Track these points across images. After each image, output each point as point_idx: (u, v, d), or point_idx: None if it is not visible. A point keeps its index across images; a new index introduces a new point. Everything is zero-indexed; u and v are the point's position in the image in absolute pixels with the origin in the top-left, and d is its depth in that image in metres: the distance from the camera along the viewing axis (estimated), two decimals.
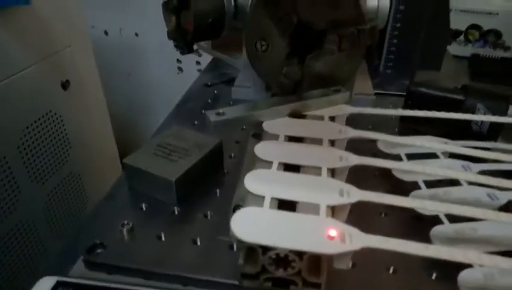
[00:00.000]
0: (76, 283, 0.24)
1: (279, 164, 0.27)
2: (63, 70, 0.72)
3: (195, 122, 0.45)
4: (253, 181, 0.25)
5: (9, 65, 0.58)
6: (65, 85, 0.73)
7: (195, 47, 0.57)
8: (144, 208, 0.31)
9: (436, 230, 0.27)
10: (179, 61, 1.25)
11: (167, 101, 0.49)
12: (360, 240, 0.21)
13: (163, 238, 0.28)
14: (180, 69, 1.27)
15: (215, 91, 0.54)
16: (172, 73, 1.27)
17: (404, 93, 0.46)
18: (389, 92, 0.54)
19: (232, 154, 0.38)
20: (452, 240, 0.27)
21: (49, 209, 0.69)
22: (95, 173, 0.83)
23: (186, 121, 0.44)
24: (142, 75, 1.30)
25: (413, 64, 0.58)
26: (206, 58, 0.69)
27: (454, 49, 0.68)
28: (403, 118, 0.44)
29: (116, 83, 1.29)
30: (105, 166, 0.88)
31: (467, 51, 0.68)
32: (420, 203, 0.24)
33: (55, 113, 0.70)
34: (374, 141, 0.36)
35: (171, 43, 0.50)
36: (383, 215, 0.32)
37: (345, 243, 0.21)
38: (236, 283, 0.25)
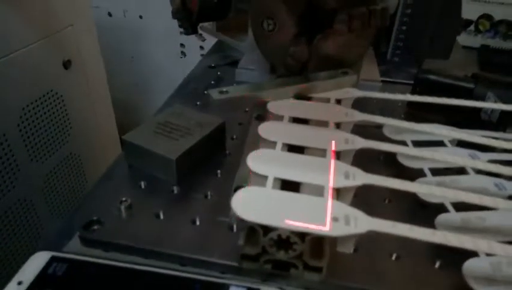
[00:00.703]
0: (71, 258, 0.23)
1: (283, 144, 0.26)
2: (65, 49, 0.71)
3: (198, 103, 0.44)
4: (256, 161, 0.24)
5: (10, 42, 0.57)
6: (67, 64, 0.72)
7: (199, 30, 0.56)
8: (143, 186, 0.30)
9: (441, 218, 0.27)
10: (182, 45, 1.24)
11: (169, 85, 0.48)
12: (366, 223, 0.20)
13: (161, 217, 0.27)
14: (183, 53, 1.25)
15: (219, 73, 0.53)
16: (175, 57, 1.26)
17: (411, 82, 0.45)
18: (396, 80, 0.53)
19: (234, 136, 0.37)
20: (458, 229, 0.26)
21: (48, 189, 0.69)
22: (95, 155, 0.82)
23: (189, 102, 0.44)
24: (145, 58, 1.28)
25: (421, 53, 0.57)
26: (209, 43, 0.68)
27: (463, 39, 0.67)
28: (410, 105, 0.43)
29: (119, 66, 1.28)
30: (106, 148, 0.87)
31: (477, 41, 0.67)
32: (427, 188, 0.23)
33: (56, 93, 0.69)
34: (379, 127, 0.35)
35: (175, 27, 0.49)
36: (386, 201, 0.31)
37: (349, 226, 0.20)
38: (236, 264, 0.24)
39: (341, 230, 0.20)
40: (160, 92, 1.32)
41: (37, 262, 0.23)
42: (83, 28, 0.76)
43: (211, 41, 0.67)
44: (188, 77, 0.52)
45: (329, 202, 0.21)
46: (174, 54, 1.25)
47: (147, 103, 1.36)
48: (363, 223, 0.20)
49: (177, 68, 1.27)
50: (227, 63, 0.55)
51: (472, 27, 0.66)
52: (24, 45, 0.61)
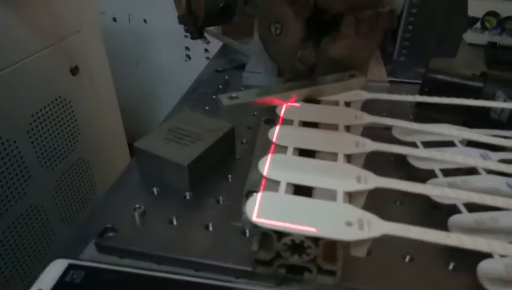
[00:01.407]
0: (88, 266, 0.24)
1: (294, 149, 0.27)
2: (72, 56, 0.72)
3: (206, 108, 0.44)
4: (268, 166, 0.24)
5: (18, 50, 0.58)
6: (74, 71, 0.73)
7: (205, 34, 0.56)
8: (156, 193, 0.31)
9: (454, 219, 0.26)
10: (187, 48, 1.24)
11: (175, 89, 0.49)
12: (379, 227, 0.20)
13: (174, 223, 0.28)
14: (188, 56, 1.26)
15: (226, 77, 0.53)
16: (180, 60, 1.26)
17: (419, 82, 0.45)
18: (403, 80, 0.53)
19: (244, 140, 0.38)
20: (471, 230, 0.26)
21: (59, 195, 0.70)
22: (103, 160, 0.83)
23: (197, 106, 0.44)
24: (151, 62, 1.29)
25: (428, 52, 0.56)
26: (214, 46, 0.68)
27: (469, 36, 0.66)
28: (418, 106, 0.43)
29: (124, 71, 1.29)
30: (114, 153, 0.88)
31: (483, 39, 0.66)
32: (440, 190, 0.23)
33: (64, 99, 0.70)
34: (388, 129, 0.35)
35: (179, 30, 0.49)
36: (398, 203, 0.31)
37: (363, 230, 0.20)
38: (250, 269, 0.24)
39: (355, 234, 0.20)
40: (166, 95, 1.33)
41: (55, 270, 0.23)
42: (90, 34, 0.77)
43: (215, 44, 0.67)
44: (196, 82, 0.52)
45: (342, 206, 0.21)
46: (179, 57, 1.26)
47: (152, 106, 1.37)
48: (376, 227, 0.20)
49: (182, 71, 1.27)
50: (234, 67, 0.55)
51: (478, 24, 0.66)
52: (32, 52, 0.61)
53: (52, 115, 0.67)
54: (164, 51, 1.26)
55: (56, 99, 0.68)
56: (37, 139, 0.63)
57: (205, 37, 0.58)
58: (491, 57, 0.61)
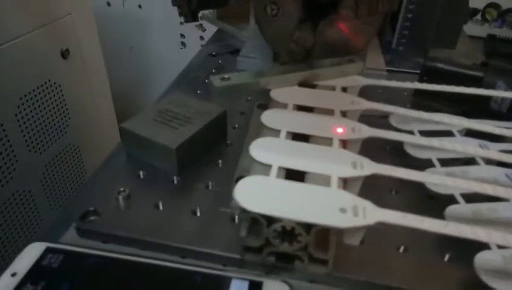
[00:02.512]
0: (67, 249, 0.22)
1: (287, 133, 0.25)
2: (63, 38, 0.70)
3: (198, 92, 0.42)
4: (259, 149, 0.23)
5: (6, 30, 0.56)
6: (65, 54, 0.71)
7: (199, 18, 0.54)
8: (142, 176, 0.29)
9: (451, 210, 0.26)
10: (182, 36, 1.22)
11: (169, 76, 0.47)
12: (375, 214, 0.19)
13: (161, 208, 0.27)
14: (183, 44, 1.24)
15: (220, 61, 0.51)
16: (175, 48, 1.24)
17: (417, 72, 0.44)
18: (401, 70, 0.52)
19: (236, 125, 0.36)
20: (468, 221, 0.25)
21: (47, 180, 0.68)
22: (94, 146, 0.82)
23: (189, 90, 0.42)
24: (145, 49, 1.27)
25: (427, 42, 0.55)
26: (210, 34, 0.66)
27: (469, 28, 0.65)
28: (416, 95, 0.42)
29: (118, 56, 1.26)
30: (105, 139, 0.86)
31: (483, 31, 0.65)
32: (439, 178, 0.22)
33: (54, 83, 0.68)
34: (385, 118, 0.34)
35: (175, 16, 0.47)
36: (393, 192, 0.30)
37: (358, 217, 0.19)
38: (238, 256, 0.23)
39: (349, 221, 0.19)
40: (160, 83, 1.31)
41: (31, 253, 0.22)
42: (82, 16, 0.75)
43: (211, 32, 0.66)
44: (189, 66, 0.51)
45: (336, 192, 0.20)
46: (174, 44, 1.24)
47: (146, 94, 1.34)
48: (372, 214, 0.19)
49: (177, 59, 1.25)
50: (228, 52, 0.54)
51: (479, 16, 0.65)
52: (21, 33, 0.59)
53: (41, 98, 0.65)
54: (159, 37, 1.24)
55: (46, 83, 0.66)
56: (25, 122, 0.62)
57: (201, 24, 0.56)
58: (490, 50, 0.60)
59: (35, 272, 0.21)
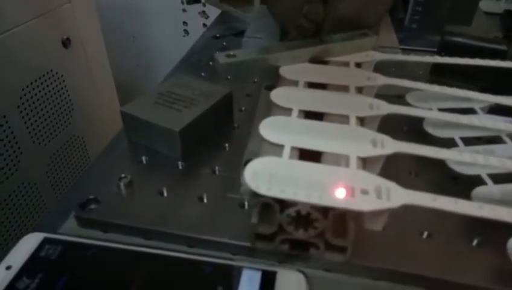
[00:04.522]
0: (66, 240, 0.21)
1: (300, 111, 0.23)
2: (63, 27, 0.68)
3: (202, 74, 0.40)
4: (269, 129, 0.21)
5: (4, 19, 0.54)
6: (66, 43, 0.70)
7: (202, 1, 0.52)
8: (144, 162, 0.28)
9: (479, 191, 0.24)
10: (185, 23, 1.20)
11: (173, 65, 0.45)
12: (401, 196, 0.17)
13: (165, 194, 0.25)
14: (186, 32, 1.21)
15: (224, 43, 0.49)
16: (178, 36, 1.22)
17: (432, 49, 0.41)
18: (415, 48, 0.49)
19: (243, 108, 0.34)
20: (497, 203, 0.23)
21: (53, 171, 0.67)
22: (98, 136, 0.80)
23: (193, 73, 0.40)
24: (148, 38, 1.25)
25: (442, 19, 0.52)
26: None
27: (486, 4, 0.62)
28: (433, 72, 0.39)
29: (120, 46, 1.24)
30: (109, 129, 0.85)
31: (500, 7, 0.62)
32: (469, 157, 0.20)
33: (57, 73, 0.67)
34: (401, 97, 0.32)
35: (177, 4, 0.45)
36: (412, 175, 0.28)
37: (381, 199, 0.17)
38: (249, 244, 0.22)
39: (372, 204, 0.17)
40: (163, 71, 1.28)
41: (27, 244, 0.21)
42: (82, 4, 0.73)
43: (214, 19, 0.64)
44: (192, 48, 0.48)
45: (356, 172, 0.18)
46: (177, 32, 1.21)
47: (149, 83, 1.33)
48: (397, 196, 0.17)
49: (180, 47, 1.22)
50: (233, 34, 0.52)
51: None
52: (19, 22, 0.58)
53: (44, 89, 0.64)
54: (162, 25, 1.21)
55: (48, 73, 0.65)
56: (28, 114, 0.61)
57: (203, 11, 0.54)
58: (507, 26, 0.57)
59: (32, 265, 0.20)
